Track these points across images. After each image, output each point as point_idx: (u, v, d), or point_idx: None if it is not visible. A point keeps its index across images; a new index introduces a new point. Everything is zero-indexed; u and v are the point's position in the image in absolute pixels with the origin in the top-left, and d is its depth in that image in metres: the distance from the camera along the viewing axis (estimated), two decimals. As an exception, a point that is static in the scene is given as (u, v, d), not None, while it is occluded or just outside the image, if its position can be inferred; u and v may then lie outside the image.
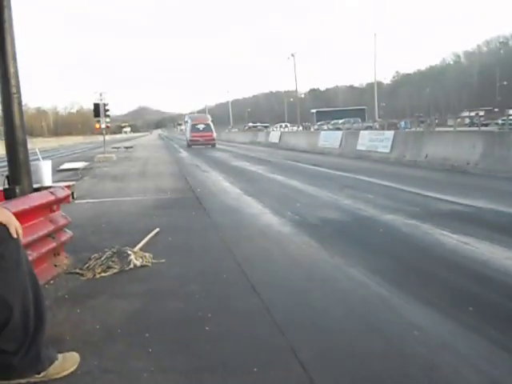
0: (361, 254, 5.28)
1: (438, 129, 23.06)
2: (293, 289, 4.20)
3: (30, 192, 4.79)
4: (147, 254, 5.17)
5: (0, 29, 4.65)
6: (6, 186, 4.80)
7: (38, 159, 5.44)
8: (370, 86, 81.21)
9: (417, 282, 4.29)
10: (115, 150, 32.06)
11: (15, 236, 2.59)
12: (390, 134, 19.08)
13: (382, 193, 9.77)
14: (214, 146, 34.68)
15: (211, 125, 36.24)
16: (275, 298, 3.95)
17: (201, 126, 35.84)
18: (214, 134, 36.11)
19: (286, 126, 64.38)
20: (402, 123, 36.26)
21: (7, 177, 4.85)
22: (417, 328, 3.27)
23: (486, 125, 31.55)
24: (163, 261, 5.11)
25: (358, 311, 3.65)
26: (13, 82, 4.69)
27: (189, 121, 37.49)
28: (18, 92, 4.74)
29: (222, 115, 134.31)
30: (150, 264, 4.99)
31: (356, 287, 4.20)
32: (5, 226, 2.56)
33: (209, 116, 41.17)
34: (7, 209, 2.77)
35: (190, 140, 35.72)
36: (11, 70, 4.69)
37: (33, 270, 2.74)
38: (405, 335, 3.19)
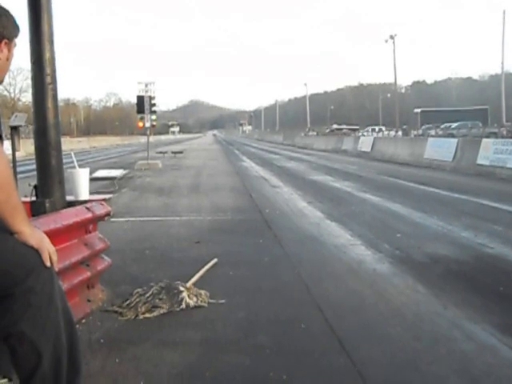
0: (486, 304, 5.12)
1: None
2: (393, 348, 4.11)
3: (63, 207, 4.94)
4: (203, 292, 5.24)
5: (36, 4, 4.86)
6: (34, 198, 4.97)
7: (73, 166, 5.63)
8: (495, 78, 79.11)
9: None
10: (161, 155, 32.83)
11: (48, 264, 2.60)
12: (523, 143, 18.48)
13: (515, 224, 9.46)
14: None
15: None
16: (370, 359, 3.88)
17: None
18: None
19: (381, 130, 63.74)
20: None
21: (35, 187, 5.02)
22: None
23: None
24: (223, 301, 5.16)
25: (484, 384, 3.51)
26: (48, 70, 4.89)
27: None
28: (54, 82, 4.94)
29: (296, 114, 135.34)
30: (206, 304, 5.06)
31: (480, 351, 4.06)
32: (36, 251, 2.58)
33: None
34: (37, 228, 2.82)
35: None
36: (46, 54, 4.88)
37: (68, 307, 2.77)
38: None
